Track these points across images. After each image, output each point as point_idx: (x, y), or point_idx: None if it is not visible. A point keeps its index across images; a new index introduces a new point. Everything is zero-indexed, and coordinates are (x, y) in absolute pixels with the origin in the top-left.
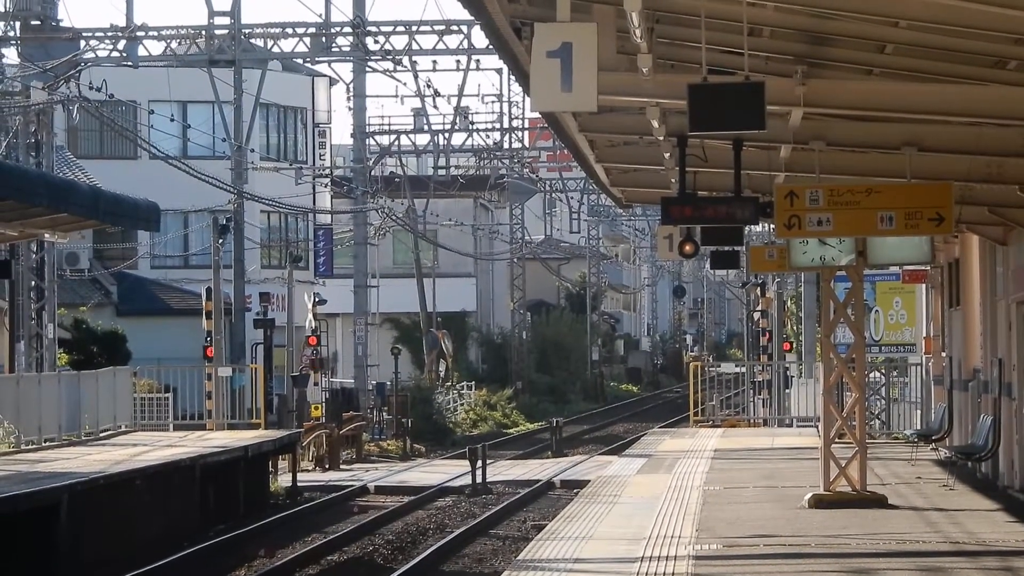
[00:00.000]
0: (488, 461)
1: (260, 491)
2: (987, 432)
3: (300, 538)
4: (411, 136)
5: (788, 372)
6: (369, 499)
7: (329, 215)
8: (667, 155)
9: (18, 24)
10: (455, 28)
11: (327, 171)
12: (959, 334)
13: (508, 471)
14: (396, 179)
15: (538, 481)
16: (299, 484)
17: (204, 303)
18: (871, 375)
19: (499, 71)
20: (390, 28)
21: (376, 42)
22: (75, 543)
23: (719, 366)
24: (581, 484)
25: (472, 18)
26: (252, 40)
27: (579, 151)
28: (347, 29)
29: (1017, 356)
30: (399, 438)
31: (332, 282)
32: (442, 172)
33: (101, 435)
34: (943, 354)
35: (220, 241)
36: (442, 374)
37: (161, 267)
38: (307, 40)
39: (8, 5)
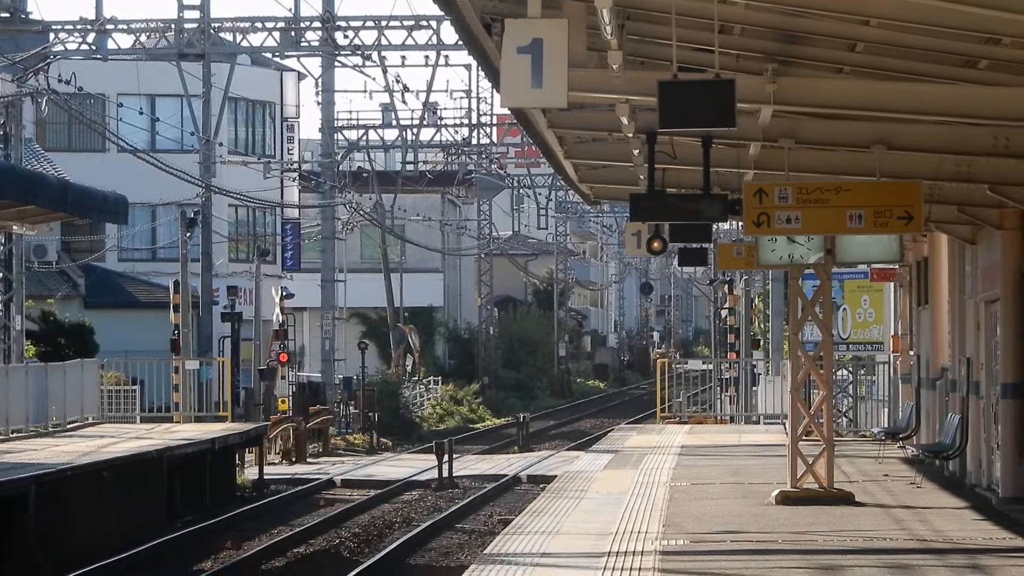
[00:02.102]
0: (455, 456)
1: (227, 484)
2: (955, 431)
3: (267, 530)
4: (379, 131)
5: (755, 369)
6: (336, 492)
7: (297, 209)
8: (636, 152)
9: None
10: (424, 23)
11: (295, 165)
12: (927, 333)
13: (475, 466)
14: (364, 174)
15: (505, 476)
16: (266, 477)
17: (172, 296)
18: (839, 373)
19: (468, 67)
20: (359, 23)
21: (345, 37)
22: (44, 534)
23: (686, 363)
24: (548, 479)
25: (442, 13)
26: (221, 34)
27: (548, 147)
28: (316, 24)
29: (985, 355)
30: (366, 432)
31: (299, 276)
32: (410, 167)
33: (68, 427)
34: (911, 352)
35: (188, 235)
36: (409, 369)
37: (129, 260)
38: (276, 34)
39: None
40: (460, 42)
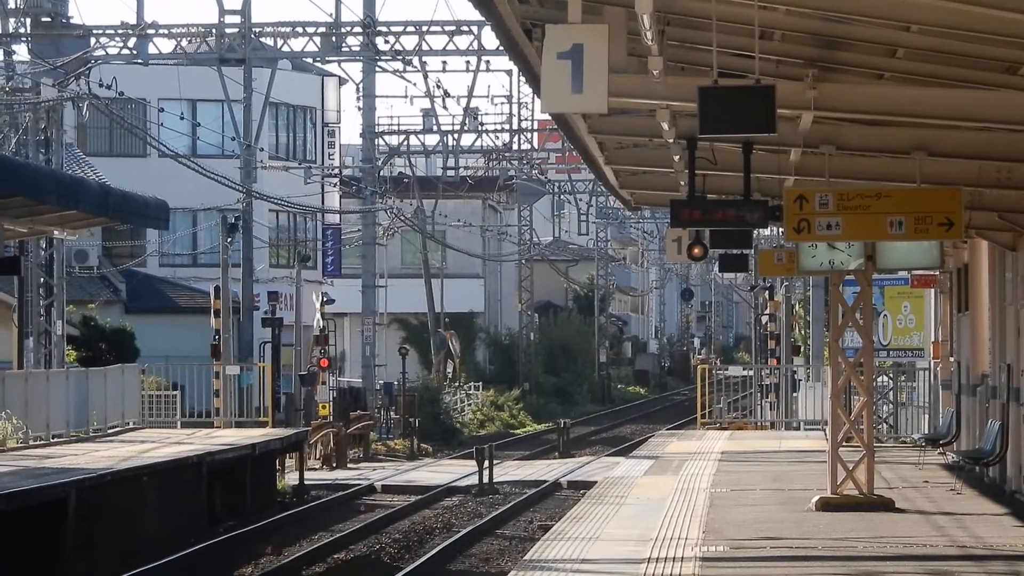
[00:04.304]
0: (495, 461)
1: (267, 489)
2: (995, 437)
3: (307, 536)
4: (420, 136)
5: (796, 375)
6: (376, 498)
7: (338, 215)
8: (676, 158)
9: (29, 21)
10: (465, 29)
11: (336, 171)
12: (967, 339)
13: (515, 471)
14: (405, 179)
15: (545, 482)
16: (306, 482)
17: (212, 301)
18: (879, 379)
19: (509, 72)
20: (400, 28)
21: (386, 42)
22: (83, 539)
23: (727, 369)
24: (588, 485)
25: (482, 19)
26: (262, 39)
27: (588, 153)
28: (357, 29)
29: None
30: (406, 438)
31: (340, 282)
32: (451, 173)
33: (109, 432)
34: (951, 359)
35: (229, 240)
36: (449, 374)
37: (170, 265)
38: (317, 39)
39: (19, 2)
40: (501, 47)
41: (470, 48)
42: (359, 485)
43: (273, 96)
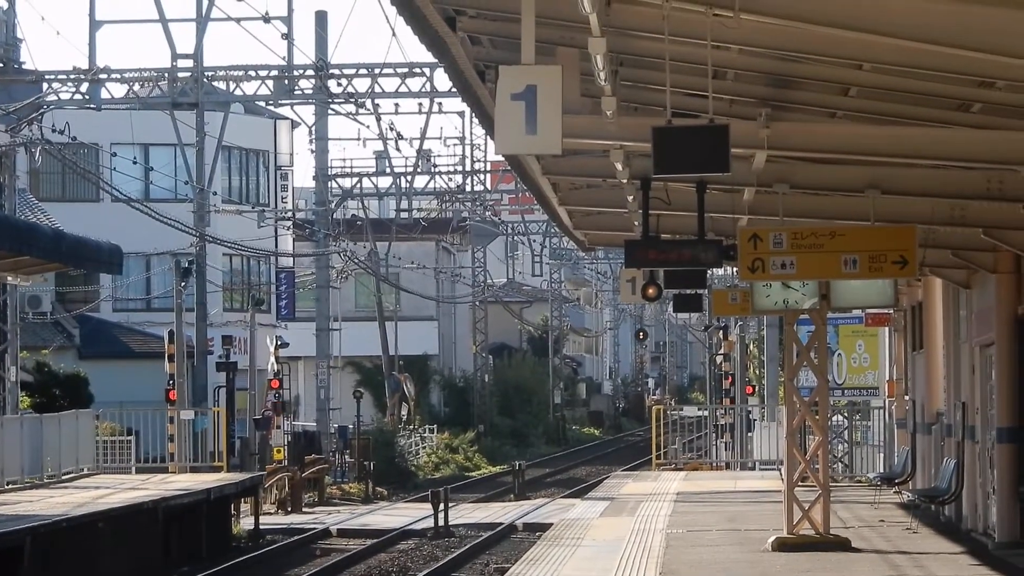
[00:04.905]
0: (450, 504)
1: (222, 534)
2: (950, 475)
3: None
4: (373, 179)
5: (751, 415)
6: (331, 542)
7: (291, 258)
8: (630, 198)
9: None
10: (418, 71)
11: (289, 214)
12: (922, 377)
13: (470, 514)
14: (358, 222)
15: (500, 524)
16: (261, 527)
17: (166, 346)
18: (834, 418)
19: (461, 114)
20: (353, 71)
21: (339, 85)
22: None
23: (681, 409)
24: (544, 527)
25: (435, 61)
26: (215, 83)
27: (542, 194)
28: (310, 72)
29: (980, 399)
30: (361, 481)
31: (294, 325)
32: (404, 215)
33: (64, 478)
34: (906, 397)
35: (182, 284)
36: (404, 417)
37: (123, 310)
38: (270, 83)
39: None
40: (454, 89)
41: (423, 90)
42: (314, 529)
43: (226, 140)
